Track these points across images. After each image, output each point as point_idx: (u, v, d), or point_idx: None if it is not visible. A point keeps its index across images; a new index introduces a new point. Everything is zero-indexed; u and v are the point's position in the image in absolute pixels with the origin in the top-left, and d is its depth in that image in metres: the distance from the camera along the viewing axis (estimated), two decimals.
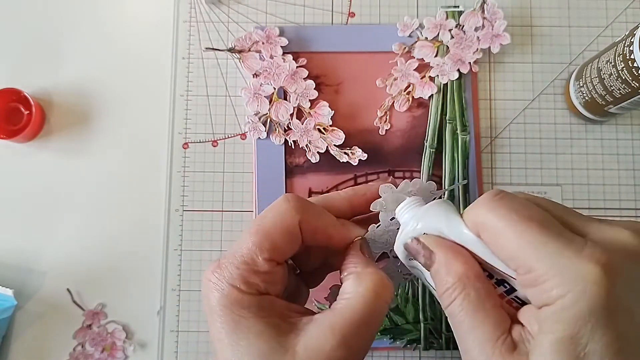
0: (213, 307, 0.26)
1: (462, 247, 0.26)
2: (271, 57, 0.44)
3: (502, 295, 0.25)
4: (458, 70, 0.44)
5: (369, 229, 0.31)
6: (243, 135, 0.45)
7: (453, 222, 0.26)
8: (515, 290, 0.24)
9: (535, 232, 0.22)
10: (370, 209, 0.30)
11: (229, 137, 0.45)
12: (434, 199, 0.31)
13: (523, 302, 0.24)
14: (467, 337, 0.24)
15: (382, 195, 0.30)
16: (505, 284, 0.25)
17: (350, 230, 0.30)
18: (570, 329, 0.20)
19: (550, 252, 0.21)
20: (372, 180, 0.44)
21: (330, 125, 0.44)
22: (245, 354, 0.24)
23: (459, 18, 0.45)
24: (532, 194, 0.26)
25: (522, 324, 0.23)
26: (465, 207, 0.43)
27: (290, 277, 0.32)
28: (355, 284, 0.27)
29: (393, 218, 0.31)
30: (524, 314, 0.23)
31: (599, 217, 0.25)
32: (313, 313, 0.27)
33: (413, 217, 0.28)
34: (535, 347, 0.21)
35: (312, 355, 0.24)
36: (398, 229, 0.30)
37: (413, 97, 0.45)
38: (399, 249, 0.28)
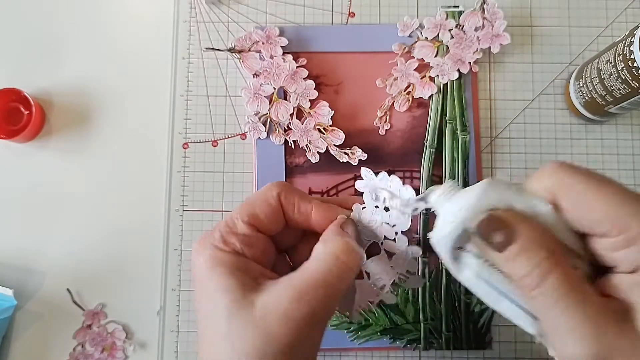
0: (196, 268, 0.28)
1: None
2: (271, 57, 0.44)
3: None
4: (458, 70, 0.44)
5: (353, 208, 0.31)
6: (243, 135, 0.45)
7: (523, 194, 0.23)
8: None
9: (621, 191, 0.21)
10: (355, 187, 0.31)
11: (229, 137, 0.45)
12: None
13: None
14: (573, 315, 0.21)
15: (364, 177, 0.30)
16: None
17: (334, 210, 0.31)
18: None
19: None
20: None
21: (330, 125, 0.44)
22: (212, 308, 0.26)
23: (459, 18, 0.45)
24: None
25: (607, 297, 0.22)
26: None
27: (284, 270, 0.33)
28: (320, 247, 0.28)
29: (377, 207, 0.31)
30: (616, 286, 0.22)
31: None
32: None
33: (466, 198, 0.24)
34: None
35: (270, 309, 0.25)
36: (388, 223, 0.30)
37: (413, 97, 0.45)
38: (447, 236, 0.25)
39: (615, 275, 0.22)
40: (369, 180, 0.30)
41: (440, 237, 0.25)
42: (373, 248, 0.32)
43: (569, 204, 0.23)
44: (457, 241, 0.25)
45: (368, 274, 0.32)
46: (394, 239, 0.31)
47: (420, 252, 0.31)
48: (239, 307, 0.25)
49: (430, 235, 0.26)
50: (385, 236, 0.31)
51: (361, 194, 0.31)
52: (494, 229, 0.23)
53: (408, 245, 0.31)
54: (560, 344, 0.22)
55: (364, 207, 0.31)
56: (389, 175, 0.30)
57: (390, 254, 0.32)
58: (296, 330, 0.25)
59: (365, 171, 0.31)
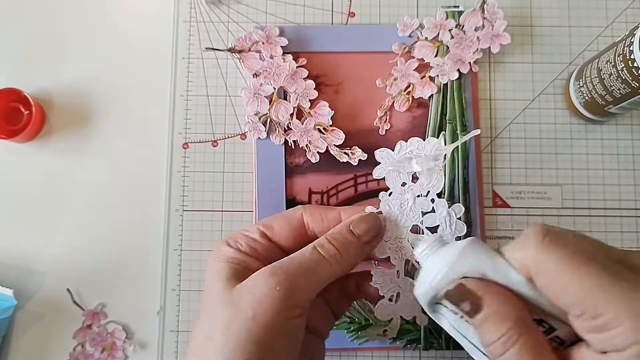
0: (209, 264, 0.31)
1: (507, 289, 0.24)
2: (271, 57, 0.44)
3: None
4: (458, 70, 0.44)
5: (380, 197, 0.31)
6: (243, 135, 0.45)
7: (498, 264, 0.24)
8: (555, 329, 0.24)
9: (598, 274, 0.21)
10: (373, 175, 0.32)
11: (229, 137, 0.45)
12: (444, 156, 0.30)
13: (562, 341, 0.24)
14: None
15: (380, 160, 0.30)
16: (544, 324, 0.24)
17: (361, 209, 0.32)
18: None
19: (619, 295, 0.21)
20: (372, 181, 0.44)
21: (330, 125, 0.44)
22: (207, 292, 0.30)
23: (459, 18, 0.45)
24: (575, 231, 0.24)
25: None
26: (465, 206, 0.43)
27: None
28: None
29: (404, 184, 0.30)
30: (580, 357, 0.22)
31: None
32: None
33: (444, 260, 0.26)
34: None
35: (243, 291, 0.28)
36: (420, 195, 0.30)
37: (413, 97, 0.45)
38: (425, 294, 0.26)
39: (587, 350, 0.22)
40: (386, 160, 0.30)
41: (420, 293, 0.27)
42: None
43: (542, 283, 0.23)
44: (434, 299, 0.26)
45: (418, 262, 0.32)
46: (432, 209, 0.31)
47: (463, 208, 0.31)
48: (225, 290, 0.28)
49: (414, 284, 0.27)
50: (422, 212, 0.31)
51: (366, 196, 0.31)
52: (462, 299, 0.24)
53: (449, 207, 0.31)
54: None
55: (390, 193, 0.31)
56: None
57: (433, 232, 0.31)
58: (260, 307, 0.27)
59: (380, 152, 0.31)
